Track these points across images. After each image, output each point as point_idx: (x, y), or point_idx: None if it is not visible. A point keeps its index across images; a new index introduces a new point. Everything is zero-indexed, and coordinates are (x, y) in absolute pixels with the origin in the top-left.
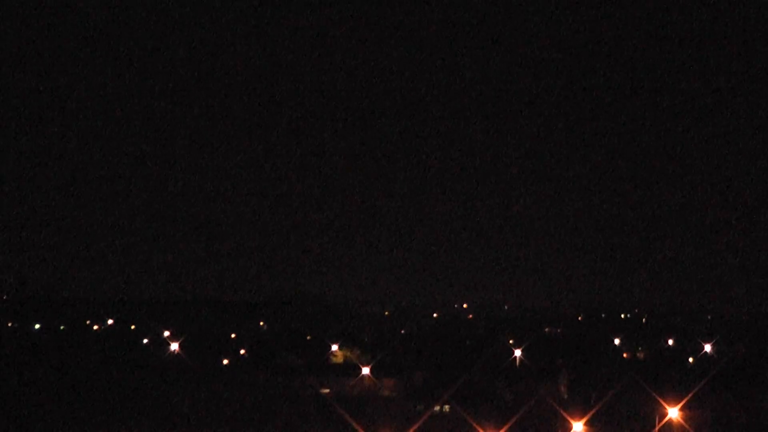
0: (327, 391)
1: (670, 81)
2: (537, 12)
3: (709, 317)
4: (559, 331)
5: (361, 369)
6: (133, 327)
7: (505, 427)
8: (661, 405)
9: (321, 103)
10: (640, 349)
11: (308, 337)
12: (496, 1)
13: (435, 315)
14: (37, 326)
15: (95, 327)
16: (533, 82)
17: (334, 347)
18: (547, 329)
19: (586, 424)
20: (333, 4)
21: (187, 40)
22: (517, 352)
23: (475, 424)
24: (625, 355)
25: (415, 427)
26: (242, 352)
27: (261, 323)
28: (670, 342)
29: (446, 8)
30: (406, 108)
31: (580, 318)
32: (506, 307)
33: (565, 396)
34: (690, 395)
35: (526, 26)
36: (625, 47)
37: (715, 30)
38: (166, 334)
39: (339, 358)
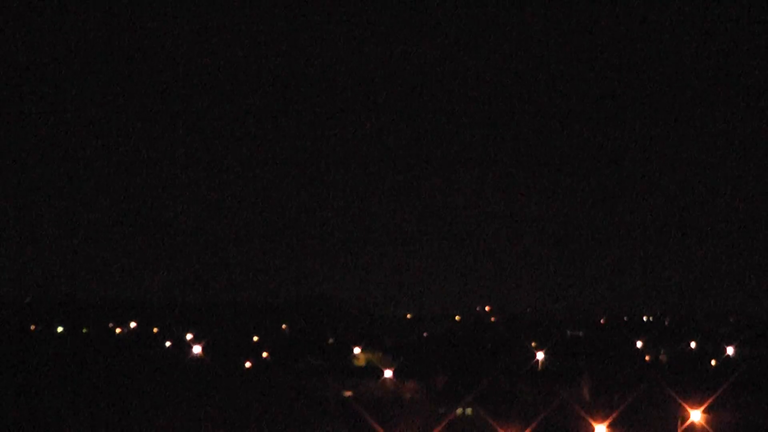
0: (349, 393)
1: (683, 81)
2: (538, 13)
3: (731, 319)
4: (581, 333)
5: (383, 372)
6: (155, 330)
7: (528, 430)
8: (684, 408)
9: (336, 104)
10: (662, 351)
11: (330, 340)
12: (497, 2)
13: (457, 318)
14: (59, 329)
15: (118, 330)
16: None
17: (357, 350)
18: (569, 332)
19: (608, 426)
20: (333, 5)
21: (188, 40)
22: (540, 355)
23: (497, 427)
24: (647, 357)
25: (438, 429)
26: (265, 355)
27: (283, 326)
28: (693, 344)
29: (447, 8)
30: (427, 107)
31: (602, 321)
32: (528, 310)
33: (588, 399)
34: (713, 398)
35: (526, 28)
36: (626, 48)
37: (716, 30)
38: (189, 337)
39: (361, 361)
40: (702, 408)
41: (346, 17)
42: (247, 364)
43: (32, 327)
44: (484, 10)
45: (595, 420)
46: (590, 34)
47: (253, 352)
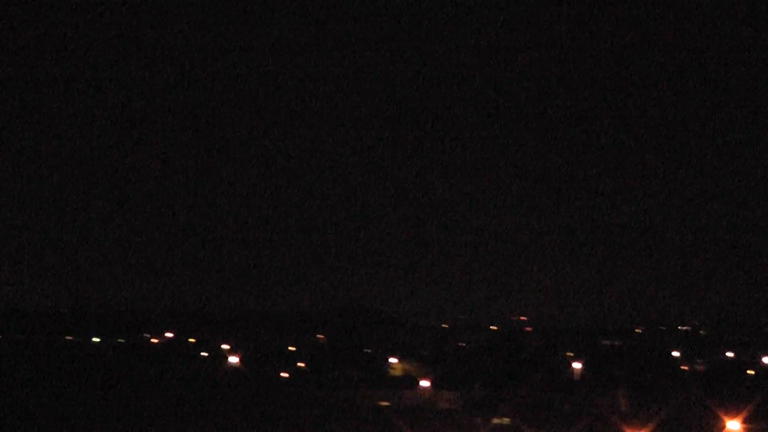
0: (386, 403)
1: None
2: (539, 15)
3: None
4: (617, 343)
5: (419, 381)
6: (192, 340)
7: None
8: (721, 418)
9: (367, 112)
10: (699, 361)
11: (367, 350)
12: (499, 4)
13: (493, 327)
14: (95, 339)
15: (154, 340)
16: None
17: (393, 360)
18: (605, 342)
19: None
20: (334, 6)
21: (189, 40)
22: (576, 365)
23: None
24: (684, 367)
25: None
26: (301, 365)
27: (319, 336)
28: (730, 354)
29: (448, 9)
30: (457, 113)
31: (638, 330)
32: (564, 320)
33: (625, 409)
34: (750, 408)
35: (527, 30)
36: (628, 49)
37: (718, 30)
38: (225, 347)
39: (398, 371)
40: (739, 418)
41: (348, 20)
42: (284, 375)
43: (67, 337)
44: (484, 10)
45: (633, 430)
46: (591, 37)
47: (290, 362)
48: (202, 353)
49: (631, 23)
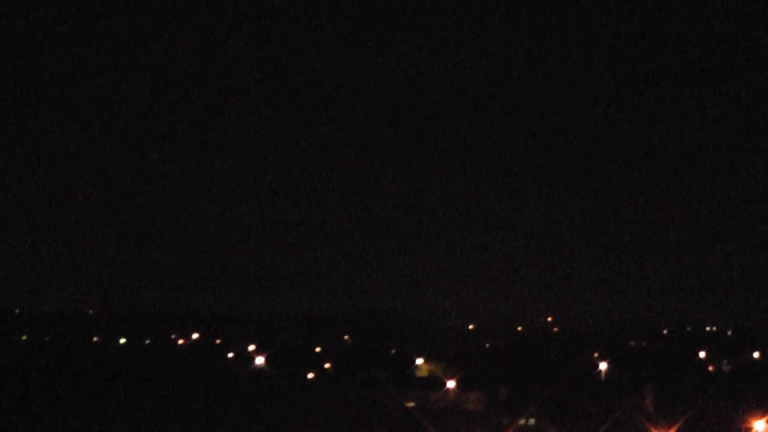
0: (412, 404)
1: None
2: (541, 13)
3: None
4: (644, 344)
5: (446, 382)
6: (218, 341)
7: None
8: (748, 419)
9: (394, 114)
10: (725, 362)
11: (392, 351)
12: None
13: (519, 328)
14: (122, 341)
15: (180, 341)
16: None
17: (419, 361)
18: (631, 342)
19: None
20: (334, 4)
21: (189, 41)
22: (602, 366)
23: None
24: (710, 368)
25: None
26: (327, 366)
27: (346, 337)
28: (756, 355)
29: (449, 8)
30: (491, 116)
31: (665, 331)
32: (590, 321)
33: (651, 410)
34: None
35: (528, 27)
36: (629, 49)
37: (720, 30)
38: (252, 348)
39: (424, 372)
40: (765, 419)
41: (347, 16)
42: (310, 375)
43: (94, 338)
44: (483, 11)
45: (659, 431)
46: (590, 36)
47: (316, 363)
48: (229, 354)
49: (640, 22)
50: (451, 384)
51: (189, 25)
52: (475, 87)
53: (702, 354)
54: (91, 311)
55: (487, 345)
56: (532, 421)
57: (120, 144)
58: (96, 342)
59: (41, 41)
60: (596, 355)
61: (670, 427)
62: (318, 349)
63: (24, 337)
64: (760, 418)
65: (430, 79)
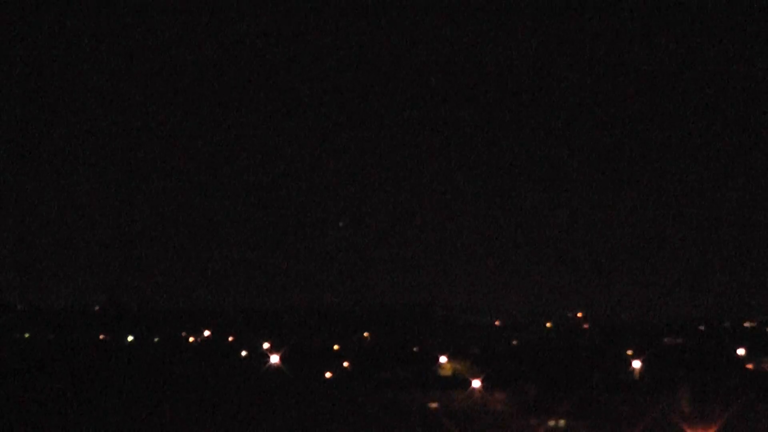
0: (435, 405)
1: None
2: (542, 11)
3: None
4: (679, 341)
5: (470, 382)
6: (231, 339)
7: None
8: None
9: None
10: (765, 359)
11: (415, 349)
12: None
13: (548, 324)
14: (130, 338)
15: (191, 339)
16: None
17: (443, 359)
18: (666, 340)
19: None
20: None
21: (190, 41)
22: (636, 364)
23: None
24: (749, 366)
25: None
26: (346, 364)
27: (365, 334)
28: None
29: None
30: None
31: (701, 328)
32: (623, 317)
33: (687, 410)
34: None
35: (529, 25)
36: (630, 49)
37: (721, 30)
38: (266, 346)
39: (447, 371)
40: None
41: (348, 13)
42: (328, 375)
43: (101, 336)
44: (483, 11)
45: None
46: (590, 37)
47: (334, 362)
48: (242, 352)
49: (637, 20)
50: (476, 383)
51: (189, 24)
52: (513, 70)
53: (741, 351)
54: (97, 308)
55: (515, 342)
56: (562, 422)
57: (128, 141)
58: (102, 340)
59: (41, 41)
60: (629, 352)
61: (707, 429)
62: (336, 347)
63: (27, 335)
64: None
65: (483, 56)
